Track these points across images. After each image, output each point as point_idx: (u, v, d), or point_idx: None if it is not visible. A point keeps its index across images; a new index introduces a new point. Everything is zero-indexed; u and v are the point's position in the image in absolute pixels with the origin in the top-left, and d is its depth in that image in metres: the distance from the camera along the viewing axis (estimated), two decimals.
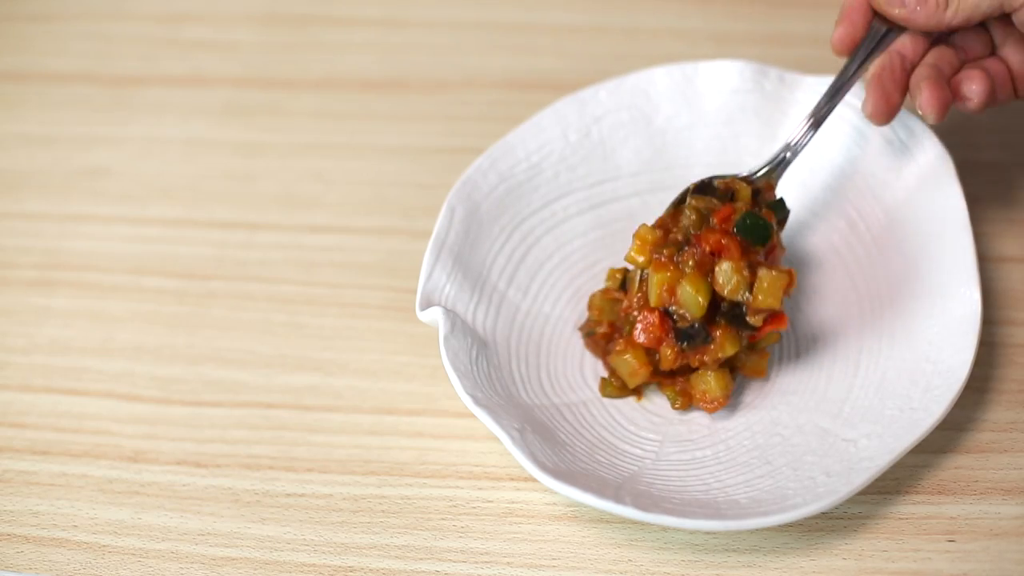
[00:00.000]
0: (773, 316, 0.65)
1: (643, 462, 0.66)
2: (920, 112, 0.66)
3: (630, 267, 0.69)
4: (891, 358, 0.67)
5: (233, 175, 0.83)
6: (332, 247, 0.79)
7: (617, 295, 0.70)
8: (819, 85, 0.74)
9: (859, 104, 0.73)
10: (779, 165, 0.70)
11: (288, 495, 0.67)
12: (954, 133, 0.80)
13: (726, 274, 0.64)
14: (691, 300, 0.65)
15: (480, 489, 0.66)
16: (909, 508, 0.64)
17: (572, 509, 0.65)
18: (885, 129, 0.73)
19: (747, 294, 0.64)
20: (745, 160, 0.76)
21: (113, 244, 0.80)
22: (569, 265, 0.74)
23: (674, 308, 0.66)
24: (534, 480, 0.65)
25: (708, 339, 0.65)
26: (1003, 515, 0.63)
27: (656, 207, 0.75)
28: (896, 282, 0.70)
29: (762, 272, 0.64)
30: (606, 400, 0.69)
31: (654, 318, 0.66)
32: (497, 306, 0.71)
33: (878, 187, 0.73)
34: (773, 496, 0.61)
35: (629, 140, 0.76)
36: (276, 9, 0.95)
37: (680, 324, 0.65)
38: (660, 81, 0.76)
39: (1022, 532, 0.63)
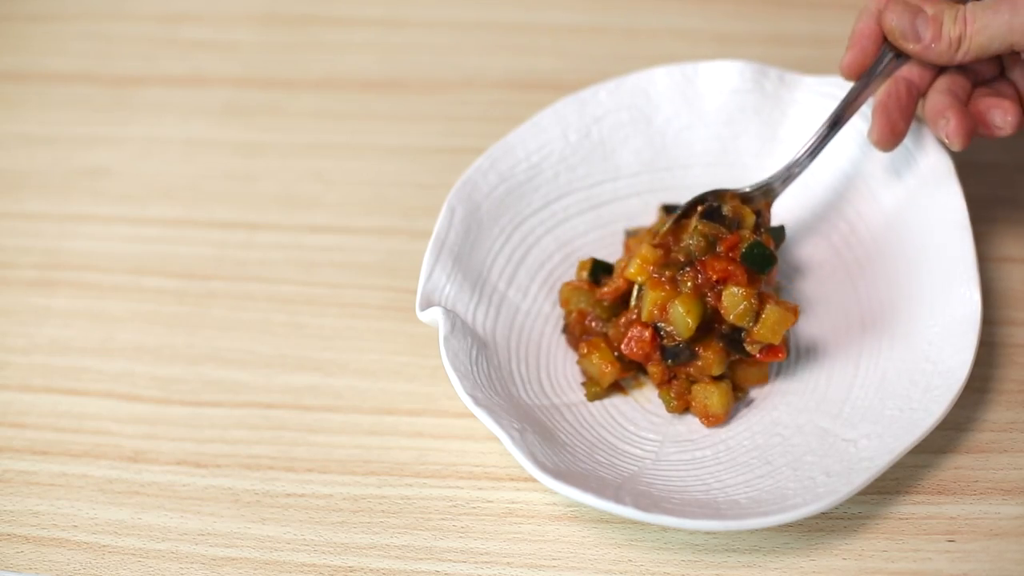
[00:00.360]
0: (772, 348, 0.66)
1: (643, 462, 0.66)
2: (946, 140, 0.67)
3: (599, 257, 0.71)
4: (891, 358, 0.67)
5: (233, 175, 0.83)
6: (332, 247, 0.79)
7: (580, 284, 0.71)
8: (819, 85, 0.74)
9: (864, 112, 0.74)
10: (780, 183, 0.70)
11: (288, 495, 0.67)
12: None
13: (734, 299, 0.65)
14: (681, 320, 0.65)
15: (480, 489, 0.66)
16: (909, 508, 0.64)
17: (572, 509, 0.65)
18: None
19: (752, 323, 0.65)
20: (745, 160, 0.76)
21: (113, 244, 0.80)
22: (569, 265, 0.74)
23: (663, 325, 0.66)
24: (534, 480, 0.65)
25: (693, 357, 0.66)
26: (1003, 515, 0.63)
27: (656, 207, 0.75)
28: (896, 282, 0.70)
29: (770, 307, 0.65)
30: (605, 400, 0.69)
31: (646, 334, 0.66)
32: (497, 306, 0.71)
33: (878, 188, 0.73)
34: (773, 496, 0.61)
35: (629, 140, 0.76)
36: (276, 9, 0.95)
37: (667, 342, 0.66)
38: (660, 81, 0.76)
39: (1022, 532, 0.63)
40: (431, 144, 0.84)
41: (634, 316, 0.67)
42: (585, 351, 0.69)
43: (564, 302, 0.71)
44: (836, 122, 0.69)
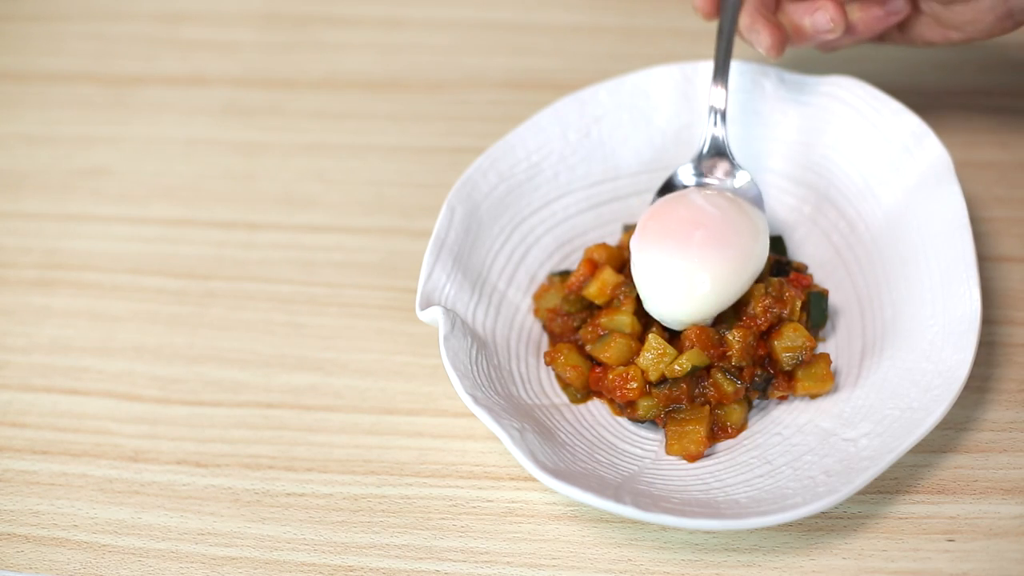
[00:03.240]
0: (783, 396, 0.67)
1: (643, 462, 0.66)
2: (762, 52, 0.69)
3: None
4: (891, 358, 0.67)
5: (233, 175, 0.84)
6: (332, 247, 0.79)
7: (546, 287, 0.72)
8: (819, 85, 0.74)
9: (856, 103, 0.74)
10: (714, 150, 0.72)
11: (288, 495, 0.67)
12: (954, 133, 0.80)
13: (792, 339, 0.66)
14: (653, 364, 0.66)
15: (480, 489, 0.66)
16: (909, 508, 0.64)
17: (572, 509, 0.65)
18: (886, 129, 0.73)
19: (796, 369, 0.66)
20: (745, 160, 0.76)
21: (113, 244, 0.80)
22: (570, 264, 0.74)
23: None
24: (534, 480, 0.65)
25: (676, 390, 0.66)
26: (1003, 515, 0.63)
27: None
28: (896, 282, 0.70)
29: (821, 367, 0.66)
30: (605, 399, 0.69)
31: (633, 384, 0.66)
32: (497, 306, 0.71)
33: (878, 187, 0.73)
34: (773, 496, 0.61)
35: (629, 140, 0.76)
36: (276, 9, 0.95)
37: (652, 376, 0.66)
38: (660, 81, 0.76)
39: (1022, 532, 0.63)
40: (431, 144, 0.84)
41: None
42: (549, 359, 0.68)
43: (536, 310, 0.72)
44: (724, 61, 0.71)
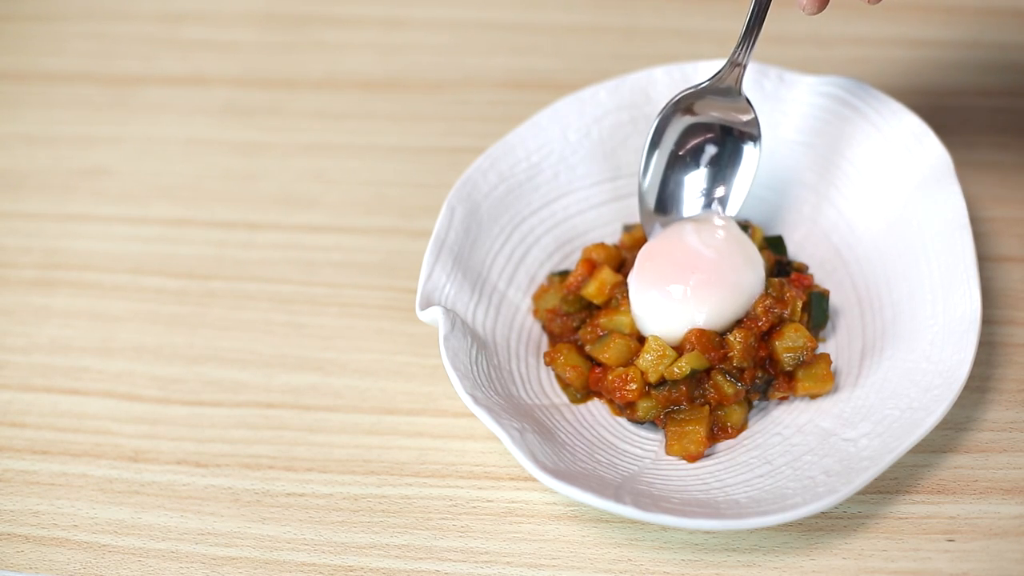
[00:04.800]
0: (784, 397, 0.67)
1: (643, 462, 0.66)
2: (799, 7, 0.65)
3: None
4: (891, 357, 0.67)
5: (233, 175, 0.84)
6: (332, 247, 0.79)
7: (545, 288, 0.72)
8: (819, 85, 0.74)
9: (856, 103, 0.73)
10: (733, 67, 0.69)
11: (288, 495, 0.67)
12: (954, 133, 0.80)
13: (793, 339, 0.66)
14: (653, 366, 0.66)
15: (480, 489, 0.66)
16: (909, 508, 0.64)
17: (572, 509, 0.65)
18: (886, 129, 0.73)
19: (797, 368, 0.66)
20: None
21: (113, 244, 0.80)
22: (569, 265, 0.74)
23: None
24: (534, 480, 0.65)
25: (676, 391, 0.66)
26: (1003, 515, 0.63)
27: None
28: (896, 282, 0.70)
29: (822, 367, 0.66)
30: (605, 399, 0.69)
31: (634, 381, 0.66)
32: (497, 306, 0.71)
33: (878, 187, 0.73)
34: (773, 496, 0.61)
35: (629, 140, 0.76)
36: (276, 9, 0.95)
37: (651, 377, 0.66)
38: (660, 81, 0.76)
39: (1022, 532, 0.63)
40: (431, 144, 0.84)
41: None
42: (549, 359, 0.69)
43: (535, 311, 0.72)
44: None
